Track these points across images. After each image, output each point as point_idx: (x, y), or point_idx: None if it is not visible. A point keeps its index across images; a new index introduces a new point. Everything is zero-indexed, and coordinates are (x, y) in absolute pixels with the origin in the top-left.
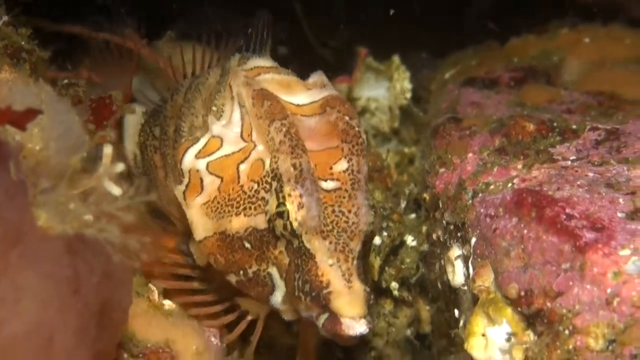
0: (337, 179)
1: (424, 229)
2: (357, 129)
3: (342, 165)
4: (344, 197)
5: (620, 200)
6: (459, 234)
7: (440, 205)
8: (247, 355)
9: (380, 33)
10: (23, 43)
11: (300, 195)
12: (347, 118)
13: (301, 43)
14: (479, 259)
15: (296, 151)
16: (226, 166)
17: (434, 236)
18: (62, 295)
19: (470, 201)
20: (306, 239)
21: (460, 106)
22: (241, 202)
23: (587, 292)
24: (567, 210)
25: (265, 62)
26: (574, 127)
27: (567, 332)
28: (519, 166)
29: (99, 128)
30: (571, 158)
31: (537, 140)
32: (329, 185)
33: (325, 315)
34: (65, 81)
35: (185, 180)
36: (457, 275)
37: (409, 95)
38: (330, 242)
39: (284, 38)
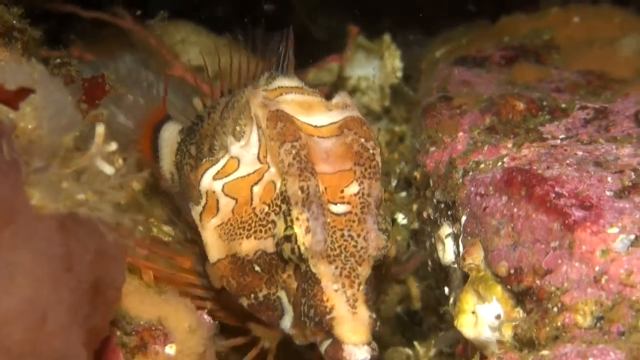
0: (348, 203)
1: (415, 207)
2: (371, 151)
3: (354, 188)
4: (354, 221)
5: (609, 178)
6: (449, 213)
7: (431, 184)
8: None
9: (371, 12)
10: (15, 22)
11: (307, 219)
12: (362, 140)
13: (292, 22)
14: (469, 237)
15: (304, 174)
16: (241, 188)
17: (425, 214)
18: (55, 273)
19: (460, 180)
20: (312, 264)
21: (451, 85)
22: (252, 225)
23: (576, 270)
24: (557, 189)
25: (290, 82)
26: (564, 106)
27: (555, 309)
28: (509, 145)
29: (91, 107)
30: (560, 137)
31: (527, 119)
32: (339, 208)
33: (328, 342)
34: (58, 60)
35: (203, 202)
36: (447, 253)
37: (399, 74)
38: (337, 267)
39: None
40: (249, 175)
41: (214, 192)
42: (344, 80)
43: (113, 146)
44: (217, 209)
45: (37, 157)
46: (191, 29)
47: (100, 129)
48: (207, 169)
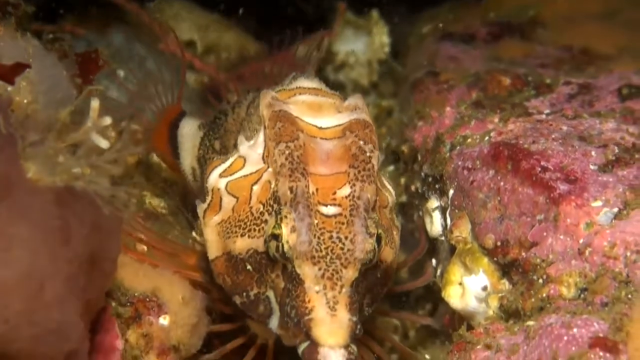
0: (339, 205)
1: (403, 180)
2: (368, 154)
3: (345, 190)
4: (343, 224)
5: (593, 153)
6: (437, 186)
7: (419, 158)
8: None
9: None
10: None
11: (294, 219)
12: (361, 143)
13: None
14: (456, 210)
15: (295, 175)
16: (242, 187)
17: (413, 188)
18: (52, 245)
19: (448, 154)
20: (297, 264)
21: (438, 60)
22: (248, 224)
23: (561, 242)
24: (542, 163)
25: (309, 83)
26: (548, 81)
27: (541, 281)
28: (496, 120)
29: (85, 82)
30: (545, 112)
31: (512, 94)
32: (329, 210)
33: (306, 344)
34: (51, 36)
35: (209, 199)
36: (435, 225)
37: (387, 49)
38: (320, 269)
39: None
40: (251, 174)
41: (218, 189)
42: (333, 55)
43: (107, 120)
44: (220, 207)
45: (33, 131)
46: (183, 6)
47: (95, 104)
48: (215, 167)
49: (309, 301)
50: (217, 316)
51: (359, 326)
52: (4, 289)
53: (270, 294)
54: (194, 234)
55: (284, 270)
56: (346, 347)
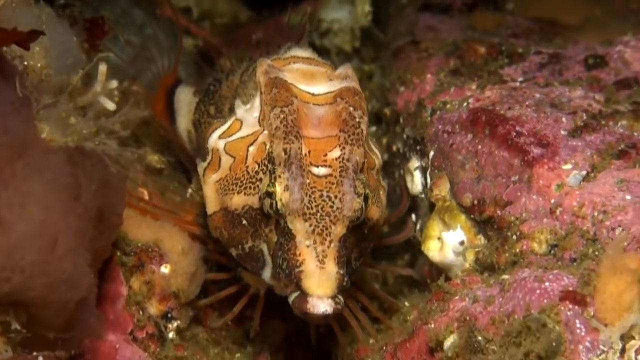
0: (330, 166)
1: (385, 140)
2: (357, 119)
3: (336, 153)
4: (333, 183)
5: (563, 119)
6: (418, 148)
7: (401, 121)
8: (254, 327)
9: None
10: None
11: (287, 179)
12: (351, 109)
13: None
14: (436, 171)
15: (289, 137)
16: (239, 147)
17: (394, 148)
18: (64, 201)
19: (429, 118)
20: (289, 220)
21: (417, 30)
22: (244, 182)
23: (533, 202)
24: (517, 128)
25: (303, 52)
26: (520, 50)
27: (514, 237)
28: (473, 87)
29: (93, 47)
30: (519, 79)
31: (487, 62)
32: (320, 171)
33: (296, 294)
34: (62, 1)
35: (209, 158)
36: (415, 184)
37: (369, 17)
38: (311, 225)
39: None
40: (247, 136)
41: (217, 150)
42: (319, 22)
43: (114, 84)
44: (219, 166)
45: (46, 94)
46: None
47: (103, 68)
48: (215, 129)
49: (299, 254)
50: (213, 266)
51: (346, 278)
52: (20, 242)
53: (264, 247)
54: (190, 189)
55: (277, 225)
56: (333, 297)
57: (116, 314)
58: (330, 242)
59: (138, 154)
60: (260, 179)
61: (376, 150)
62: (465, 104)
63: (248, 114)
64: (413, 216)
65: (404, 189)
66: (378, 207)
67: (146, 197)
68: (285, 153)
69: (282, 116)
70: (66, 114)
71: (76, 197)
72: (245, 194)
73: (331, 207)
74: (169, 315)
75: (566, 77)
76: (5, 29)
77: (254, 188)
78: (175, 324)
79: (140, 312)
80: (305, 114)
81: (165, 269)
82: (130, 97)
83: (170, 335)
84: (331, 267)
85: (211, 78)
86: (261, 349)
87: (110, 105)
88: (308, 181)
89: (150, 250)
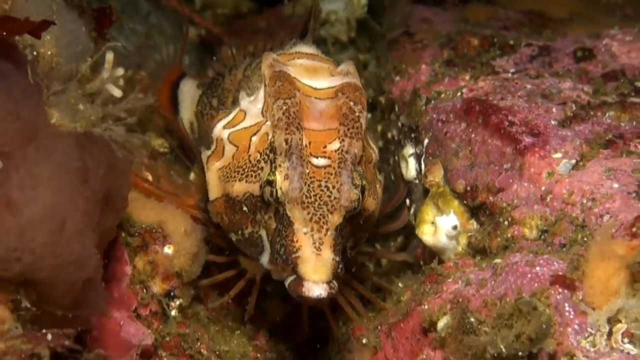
0: (329, 157)
1: (379, 127)
2: (357, 114)
3: (335, 145)
4: (331, 174)
5: (554, 109)
6: (412, 135)
7: (396, 109)
8: (249, 311)
9: None
10: None
11: (287, 168)
12: (351, 104)
13: None
14: (430, 158)
15: (290, 128)
16: (243, 137)
17: (389, 135)
18: (72, 184)
19: (424, 107)
20: (288, 208)
21: (412, 21)
22: (246, 170)
23: (525, 189)
24: (510, 118)
25: (307, 49)
26: (511, 42)
27: (506, 222)
28: (467, 77)
29: (100, 35)
30: (511, 71)
31: (480, 53)
32: (320, 162)
33: (293, 277)
34: None
35: (213, 147)
36: (409, 170)
37: (365, 8)
38: (308, 213)
39: None
40: (251, 126)
41: (222, 139)
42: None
43: (120, 71)
44: (222, 154)
45: (56, 81)
46: None
47: (110, 57)
48: (220, 119)
49: (297, 241)
50: (214, 247)
51: (341, 265)
52: (31, 224)
53: (263, 233)
54: (192, 173)
55: (276, 212)
56: (328, 282)
57: (121, 292)
58: (327, 230)
59: (143, 140)
60: (262, 168)
61: (374, 146)
62: (459, 93)
63: (252, 105)
64: (407, 201)
65: (399, 178)
66: (374, 199)
67: (150, 179)
68: (287, 143)
69: (284, 108)
70: (75, 101)
71: (84, 181)
72: (246, 181)
73: (329, 196)
74: (172, 294)
75: (556, 69)
76: (18, 19)
77: (256, 176)
78: (177, 302)
79: (144, 291)
80: (307, 107)
81: (168, 250)
82: (135, 84)
83: (173, 313)
84: (327, 254)
85: (215, 72)
86: (260, 327)
87: (117, 93)
88: (307, 171)
89: (154, 231)
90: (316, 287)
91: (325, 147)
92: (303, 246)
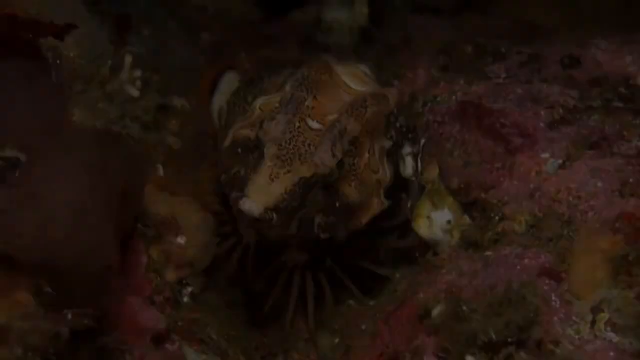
0: (323, 124)
1: None
2: (367, 102)
3: (334, 117)
4: (317, 136)
5: (542, 113)
6: (410, 135)
7: (395, 111)
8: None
9: None
10: None
11: (280, 113)
12: (368, 98)
13: None
14: (427, 157)
15: (302, 88)
16: (269, 104)
17: (389, 135)
18: (92, 177)
19: (421, 109)
20: (267, 147)
21: (410, 30)
22: (252, 120)
23: (515, 186)
24: (502, 120)
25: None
26: (503, 50)
27: (497, 218)
28: (462, 82)
29: (120, 40)
30: (503, 76)
31: (474, 60)
32: (314, 124)
33: (239, 194)
34: None
35: (248, 116)
36: (407, 168)
37: (366, 17)
38: (281, 153)
39: None
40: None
41: (255, 109)
42: (321, 22)
43: (138, 73)
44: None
45: (78, 82)
46: None
47: (128, 59)
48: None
49: (259, 170)
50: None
51: (289, 208)
52: (54, 214)
53: (243, 170)
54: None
55: (260, 153)
56: (266, 206)
57: (137, 280)
58: (289, 172)
59: (159, 137)
60: (264, 120)
61: (387, 169)
62: (454, 97)
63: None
64: (404, 196)
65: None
66: (359, 192)
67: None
68: (292, 96)
69: (306, 73)
70: (96, 100)
71: (104, 175)
72: (250, 129)
73: (306, 151)
74: (184, 282)
75: (544, 76)
76: (44, 22)
77: (256, 125)
78: (189, 290)
79: (159, 279)
80: (332, 91)
81: (181, 240)
82: (152, 85)
83: (185, 299)
84: (278, 187)
85: (256, 74)
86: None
87: (135, 93)
88: (298, 125)
89: (168, 223)
90: (253, 205)
91: (325, 117)
92: (260, 173)
